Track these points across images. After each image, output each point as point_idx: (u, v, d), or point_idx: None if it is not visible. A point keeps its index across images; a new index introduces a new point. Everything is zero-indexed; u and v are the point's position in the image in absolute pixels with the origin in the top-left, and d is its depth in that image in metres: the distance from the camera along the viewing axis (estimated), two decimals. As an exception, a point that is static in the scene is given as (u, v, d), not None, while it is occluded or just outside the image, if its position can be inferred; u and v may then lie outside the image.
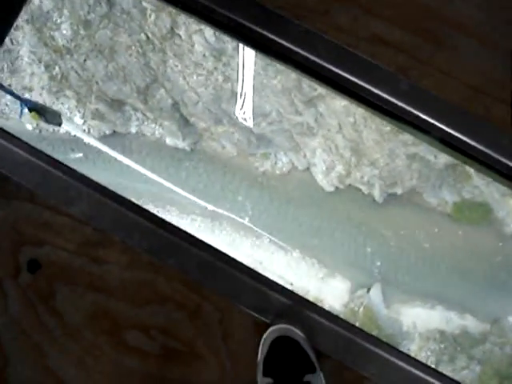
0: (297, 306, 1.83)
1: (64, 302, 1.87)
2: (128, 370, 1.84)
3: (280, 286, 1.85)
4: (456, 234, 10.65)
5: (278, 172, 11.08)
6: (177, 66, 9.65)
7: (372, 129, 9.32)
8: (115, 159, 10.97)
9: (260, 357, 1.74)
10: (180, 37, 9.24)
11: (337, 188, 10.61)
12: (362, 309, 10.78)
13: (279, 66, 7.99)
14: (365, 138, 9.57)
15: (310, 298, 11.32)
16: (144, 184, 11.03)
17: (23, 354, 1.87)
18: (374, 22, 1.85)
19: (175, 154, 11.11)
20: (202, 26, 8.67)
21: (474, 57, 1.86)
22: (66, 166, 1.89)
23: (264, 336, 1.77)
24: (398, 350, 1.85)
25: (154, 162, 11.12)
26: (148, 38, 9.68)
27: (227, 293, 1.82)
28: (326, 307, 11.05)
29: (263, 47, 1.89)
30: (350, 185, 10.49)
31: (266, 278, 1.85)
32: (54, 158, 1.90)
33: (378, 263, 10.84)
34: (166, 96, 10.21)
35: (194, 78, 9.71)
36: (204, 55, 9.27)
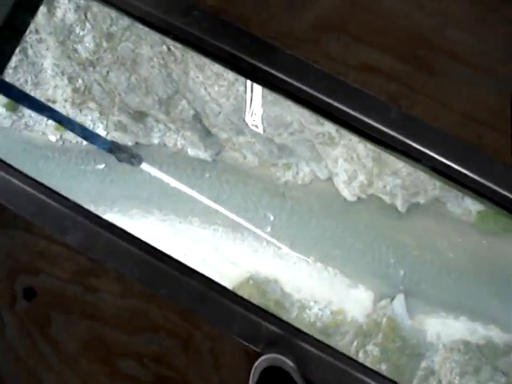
0: (288, 336, 1.82)
1: (59, 329, 1.89)
2: (120, 398, 1.86)
3: (272, 315, 1.85)
4: (480, 244, 10.51)
5: (299, 182, 11.07)
6: (198, 77, 9.71)
7: (394, 138, 9.19)
8: (137, 170, 11.05)
9: (250, 387, 1.75)
10: (201, 48, 9.24)
11: (359, 198, 10.55)
12: (385, 319, 10.68)
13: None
14: (390, 154, 9.36)
15: (334, 308, 11.28)
16: (166, 194, 11.10)
17: (19, 381, 1.91)
18: (365, 50, 1.84)
19: (197, 164, 11.17)
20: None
21: (467, 83, 1.85)
22: (61, 195, 1.92)
23: (255, 365, 1.77)
24: (392, 380, 1.84)
25: (176, 173, 11.18)
26: (169, 49, 9.76)
27: (218, 321, 1.83)
28: (349, 318, 11.02)
29: (254, 77, 1.90)
30: (372, 194, 10.42)
31: (256, 306, 1.85)
32: (50, 188, 1.93)
33: (402, 273, 10.73)
34: (187, 107, 10.28)
35: (216, 88, 9.76)
36: (225, 68, 9.20)
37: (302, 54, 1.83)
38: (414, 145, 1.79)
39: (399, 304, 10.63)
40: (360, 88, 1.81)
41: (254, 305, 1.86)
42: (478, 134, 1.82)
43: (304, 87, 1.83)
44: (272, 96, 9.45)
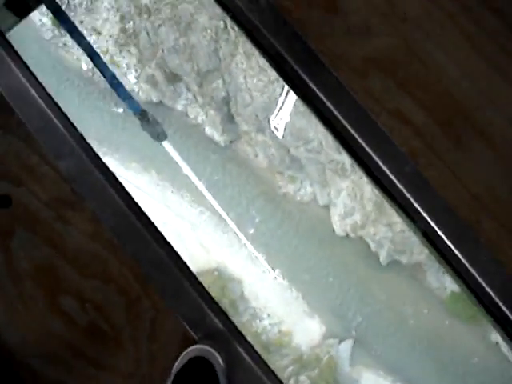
0: (228, 335, 1.83)
1: (19, 245, 1.90)
2: (50, 331, 1.86)
3: (220, 309, 1.86)
4: (443, 323, 10.53)
5: (298, 198, 11.06)
6: (242, 63, 9.70)
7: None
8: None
9: (174, 369, 1.74)
10: (256, 38, 9.24)
11: (347, 235, 10.54)
12: (326, 357, 10.67)
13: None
14: (390, 204, 9.38)
15: (283, 329, 11.28)
16: (169, 161, 11.08)
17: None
18: (404, 98, 1.85)
19: (209, 144, 11.16)
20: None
21: (486, 166, 1.85)
22: (69, 121, 1.93)
23: (187, 350, 1.77)
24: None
25: (186, 145, 11.18)
26: (226, 27, 9.77)
27: (169, 296, 1.83)
28: (294, 343, 11.02)
29: (293, 84, 1.91)
30: (360, 237, 10.42)
31: (210, 297, 1.85)
32: (62, 111, 1.94)
33: (359, 320, 10.74)
34: (221, 87, 10.26)
35: (254, 81, 9.74)
36: (271, 64, 9.22)
37: (345, 80, 1.84)
38: (415, 204, 1.80)
39: (346, 348, 10.63)
40: (386, 132, 1.81)
41: (209, 294, 1.86)
42: (478, 217, 1.83)
43: (335, 111, 1.84)
44: (303, 108, 9.42)
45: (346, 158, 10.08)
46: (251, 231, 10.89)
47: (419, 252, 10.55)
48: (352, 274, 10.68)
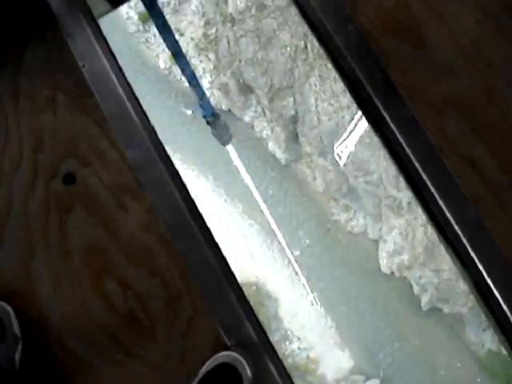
0: (261, 347, 1.83)
1: (75, 222, 1.95)
2: (90, 312, 1.89)
3: (257, 320, 1.86)
4: (474, 379, 10.26)
5: (348, 228, 11.00)
6: (316, 85, 9.75)
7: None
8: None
9: (202, 370, 1.76)
10: (334, 63, 9.27)
11: (392, 273, 10.42)
12: (349, 392, 10.54)
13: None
14: (444, 246, 9.23)
15: (311, 355, 11.18)
16: (228, 170, 11.18)
17: (15, 244, 1.97)
18: (477, 144, 1.82)
19: (269, 160, 11.22)
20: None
21: (549, 227, 1.81)
22: (144, 113, 1.97)
23: (217, 355, 1.78)
24: None
25: (247, 157, 11.25)
26: (306, 47, 9.84)
27: (210, 298, 1.85)
28: (319, 372, 10.93)
29: (366, 111, 1.91)
30: (405, 278, 10.29)
31: (250, 307, 1.86)
32: (138, 100, 1.99)
33: (389, 361, 10.56)
34: (291, 106, 10.33)
35: (325, 104, 9.78)
36: (345, 90, 9.29)
37: (420, 116, 1.83)
38: (471, 252, 1.77)
39: (370, 387, 10.48)
40: (453, 174, 1.80)
41: (249, 304, 1.87)
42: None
43: (405, 145, 1.83)
44: (369, 140, 9.41)
45: (403, 196, 10.00)
46: (297, 253, 10.87)
47: (462, 304, 10.33)
48: (390, 313, 10.53)
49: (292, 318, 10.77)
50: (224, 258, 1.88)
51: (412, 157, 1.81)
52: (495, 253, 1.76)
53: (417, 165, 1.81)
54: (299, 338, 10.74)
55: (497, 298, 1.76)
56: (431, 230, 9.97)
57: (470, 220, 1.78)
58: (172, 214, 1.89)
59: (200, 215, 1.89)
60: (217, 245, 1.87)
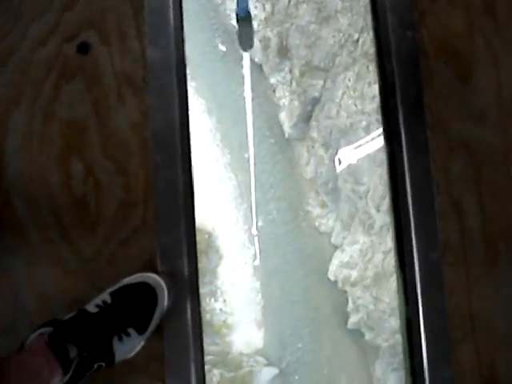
0: (188, 287, 1.83)
1: (71, 91, 1.91)
2: (46, 180, 1.86)
3: (196, 263, 1.85)
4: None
5: (316, 223, 10.95)
6: (350, 80, 9.58)
7: None
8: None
9: (124, 281, 1.75)
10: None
11: (335, 282, 10.43)
12: (247, 370, 10.58)
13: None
14: (396, 275, 9.33)
15: (228, 320, 11.20)
16: (232, 117, 11.06)
17: (6, 86, 1.93)
18: (472, 195, 1.83)
19: (274, 127, 11.08)
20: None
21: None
22: (181, 20, 1.93)
23: (144, 274, 1.77)
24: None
25: (255, 114, 11.13)
26: (357, 41, 9.69)
27: (161, 220, 1.83)
28: (228, 338, 10.95)
29: (386, 116, 1.89)
30: (345, 291, 10.30)
31: (194, 246, 1.85)
32: (181, 14, 1.94)
33: (295, 357, 10.65)
34: (318, 88, 10.18)
35: (349, 102, 9.63)
36: (373, 97, 9.20)
37: (433, 145, 1.83)
38: (418, 290, 1.78)
39: (268, 373, 10.51)
40: (436, 212, 1.80)
41: (194, 243, 1.86)
42: (463, 336, 1.80)
43: (406, 166, 1.84)
44: (375, 154, 9.33)
45: (379, 219, 10.00)
46: (260, 223, 10.80)
47: (384, 339, 10.41)
48: (317, 317, 10.55)
49: (227, 279, 10.75)
50: (192, 192, 1.86)
51: (408, 180, 1.80)
52: (439, 300, 1.77)
53: (408, 189, 1.80)
54: (225, 301, 10.74)
55: (420, 341, 1.77)
56: (388, 261, 10.03)
57: (431, 261, 1.79)
58: (163, 126, 1.86)
59: (188, 143, 1.87)
60: (191, 176, 1.85)
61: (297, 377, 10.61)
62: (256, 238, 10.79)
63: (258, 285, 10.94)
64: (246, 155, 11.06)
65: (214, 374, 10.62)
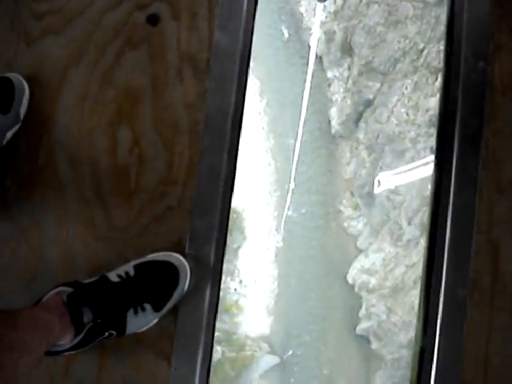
0: (211, 274, 1.83)
1: (132, 59, 1.91)
2: (92, 142, 1.88)
3: (224, 250, 1.85)
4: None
5: (345, 224, 10.93)
6: (407, 88, 9.46)
7: None
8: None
9: (149, 257, 1.75)
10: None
11: (353, 286, 10.40)
12: (249, 353, 10.66)
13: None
14: (419, 298, 9.26)
15: (240, 302, 11.26)
16: (282, 102, 11.03)
17: (70, 43, 1.93)
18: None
19: (322, 121, 11.04)
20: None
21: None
22: (254, 15, 1.91)
23: (171, 253, 1.77)
24: None
25: (306, 105, 11.06)
26: (422, 51, 9.56)
27: (198, 203, 1.83)
28: (236, 319, 11.02)
29: (440, 140, 1.85)
30: (360, 297, 10.27)
31: (225, 233, 1.85)
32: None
33: (298, 352, 10.67)
34: (373, 90, 10.07)
35: (402, 110, 9.54)
36: (427, 110, 9.07)
37: (480, 200, 1.80)
38: (438, 324, 1.76)
39: (269, 360, 10.52)
40: (472, 250, 1.77)
41: (226, 231, 1.86)
42: (480, 376, 1.77)
43: (451, 196, 1.80)
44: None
45: (408, 232, 9.90)
46: (289, 212, 10.76)
47: (390, 352, 10.36)
48: (328, 316, 10.51)
49: (247, 262, 10.76)
50: (233, 181, 1.85)
51: (450, 212, 1.77)
52: (458, 338, 1.74)
53: (448, 221, 1.77)
54: (241, 281, 10.76)
55: (430, 375, 1.75)
56: (409, 275, 9.92)
57: (457, 297, 1.76)
58: (216, 112, 1.86)
59: (239, 132, 1.86)
60: (235, 166, 1.84)
61: (296, 370, 10.62)
62: (282, 226, 10.78)
63: (276, 273, 10.95)
64: (290, 143, 11.02)
65: (216, 351, 10.70)
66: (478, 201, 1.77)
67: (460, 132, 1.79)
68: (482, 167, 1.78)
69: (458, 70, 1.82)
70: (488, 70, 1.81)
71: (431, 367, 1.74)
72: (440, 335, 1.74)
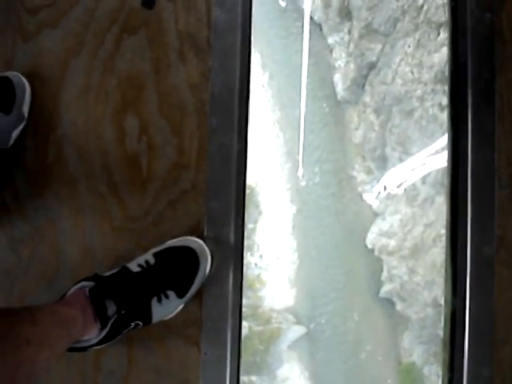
0: (232, 254, 1.82)
1: (132, 46, 1.87)
2: (99, 133, 1.85)
3: (243, 229, 1.83)
4: (385, 377, 10.45)
5: (359, 189, 10.91)
6: (409, 47, 9.33)
7: None
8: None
9: (169, 243, 1.74)
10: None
11: (372, 250, 10.38)
12: (275, 325, 10.73)
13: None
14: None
15: (262, 276, 11.28)
16: (285, 72, 10.94)
17: (67, 36, 1.90)
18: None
19: (327, 88, 10.97)
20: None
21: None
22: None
23: (190, 238, 1.76)
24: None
25: (310, 74, 10.98)
26: (421, 7, 9.40)
27: (212, 184, 1.80)
28: (260, 293, 11.06)
29: (454, 95, 1.81)
30: (381, 260, 10.25)
31: (242, 212, 1.83)
32: None
33: (323, 320, 10.71)
34: (376, 52, 9.93)
35: (406, 69, 9.39)
36: (431, 67, 8.93)
37: (499, 135, 1.74)
38: (468, 286, 1.73)
39: (296, 331, 10.61)
40: (496, 203, 1.73)
41: (243, 209, 1.84)
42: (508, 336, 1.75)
43: (470, 151, 1.76)
44: (426, 125, 9.12)
45: (423, 191, 9.82)
46: (302, 183, 10.72)
47: (415, 311, 10.36)
48: (350, 282, 10.50)
49: (265, 236, 10.74)
50: (245, 159, 1.83)
51: (469, 169, 1.74)
52: (488, 297, 1.72)
53: (469, 178, 1.74)
54: (261, 256, 10.76)
55: (463, 336, 1.73)
56: (428, 234, 9.88)
57: (484, 255, 1.73)
58: (222, 90, 1.82)
59: (247, 109, 1.83)
60: (246, 143, 1.82)
61: (323, 338, 10.66)
62: (295, 196, 10.74)
63: (295, 244, 10.95)
64: (296, 114, 10.93)
65: (243, 327, 10.77)
66: (497, 155, 1.73)
67: (472, 87, 1.75)
68: (498, 120, 1.74)
69: (465, 23, 1.77)
70: (495, 20, 1.76)
71: (464, 328, 1.72)
72: (470, 295, 1.72)
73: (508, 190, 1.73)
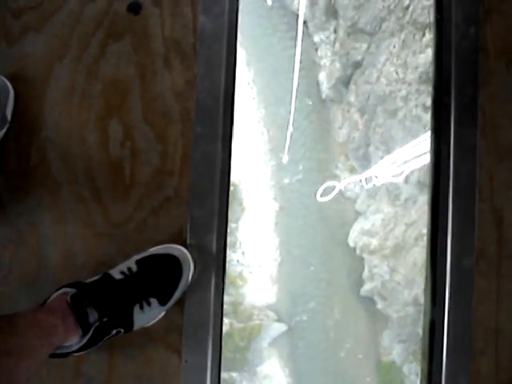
0: (214, 263, 1.82)
1: (117, 52, 1.86)
2: (83, 138, 1.84)
3: (225, 237, 1.83)
4: (364, 376, 10.52)
5: (342, 188, 10.97)
6: (394, 47, 9.38)
7: None
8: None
9: (151, 250, 1.74)
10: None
11: (354, 249, 10.42)
12: (257, 322, 10.74)
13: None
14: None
15: (244, 273, 11.28)
16: (271, 70, 10.91)
17: (51, 39, 1.89)
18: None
19: (312, 86, 10.96)
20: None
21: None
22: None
23: (172, 245, 1.76)
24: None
25: (296, 72, 10.96)
26: (407, 8, 9.42)
27: (196, 193, 1.81)
28: (241, 290, 11.07)
29: (436, 104, 1.82)
30: (362, 259, 10.31)
31: (225, 220, 1.83)
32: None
33: (305, 317, 10.75)
34: (361, 51, 9.98)
35: (391, 69, 9.43)
36: (416, 68, 9.01)
37: (480, 148, 1.76)
38: (447, 294, 1.75)
39: (276, 328, 10.66)
40: (476, 219, 1.75)
41: (226, 217, 1.84)
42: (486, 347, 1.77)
43: (452, 164, 1.78)
44: (410, 127, 9.18)
45: (406, 191, 9.87)
46: (286, 180, 10.73)
47: (395, 310, 10.43)
48: (332, 280, 10.56)
49: (248, 233, 10.74)
50: (229, 168, 1.83)
51: (451, 181, 1.75)
52: (466, 308, 1.74)
53: (450, 190, 1.76)
54: (243, 253, 10.75)
55: (442, 346, 1.75)
56: (409, 234, 9.97)
57: (464, 267, 1.75)
58: (207, 97, 1.82)
59: (232, 117, 1.82)
60: (230, 152, 1.82)
61: (303, 335, 10.69)
62: (278, 194, 10.74)
63: (278, 241, 10.95)
64: (281, 111, 10.92)
65: (224, 323, 10.76)
66: (479, 168, 1.75)
67: (456, 100, 1.76)
68: (481, 134, 1.76)
69: (450, 37, 1.78)
70: (480, 35, 1.78)
71: (442, 339, 1.74)
72: (449, 306, 1.74)
73: (488, 202, 1.75)
